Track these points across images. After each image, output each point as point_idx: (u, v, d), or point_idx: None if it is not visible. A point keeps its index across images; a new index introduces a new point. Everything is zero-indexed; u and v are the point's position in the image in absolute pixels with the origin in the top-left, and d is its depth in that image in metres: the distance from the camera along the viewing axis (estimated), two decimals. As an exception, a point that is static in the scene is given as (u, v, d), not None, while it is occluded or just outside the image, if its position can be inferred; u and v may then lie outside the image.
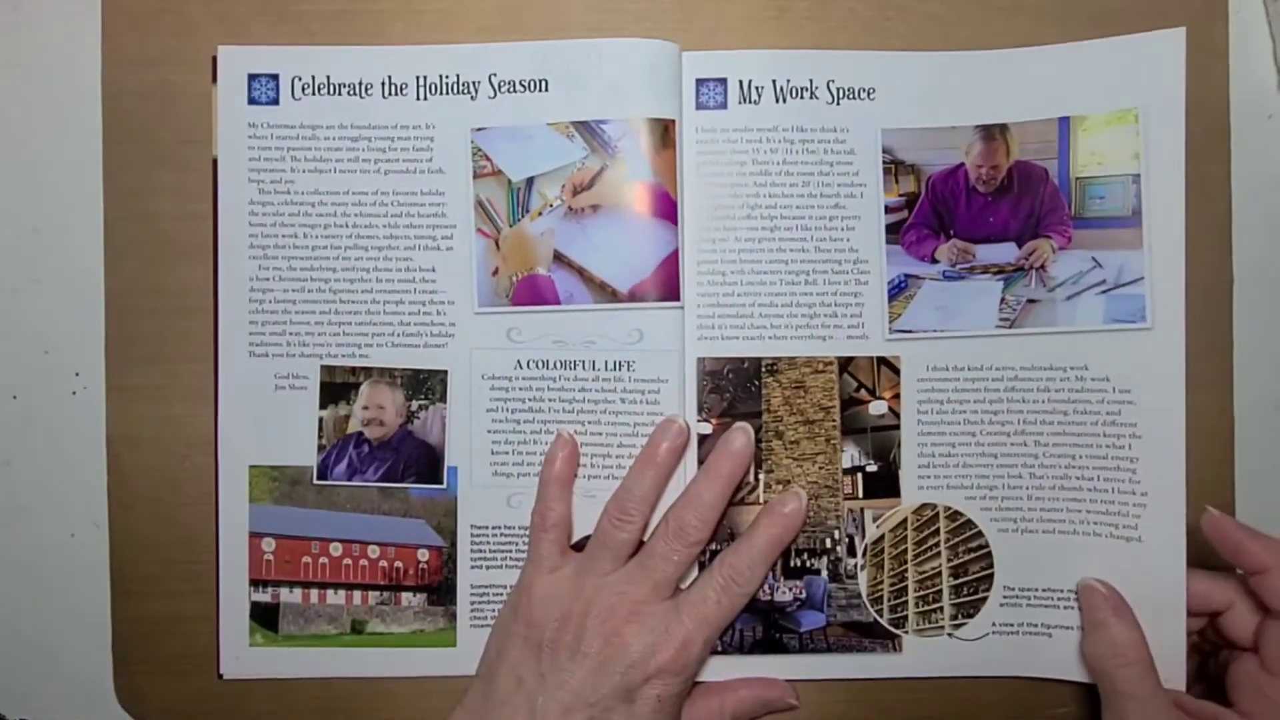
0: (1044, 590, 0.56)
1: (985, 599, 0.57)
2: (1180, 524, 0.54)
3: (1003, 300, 0.56)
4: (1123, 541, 0.55)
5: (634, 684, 0.50)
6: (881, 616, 0.57)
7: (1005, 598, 0.57)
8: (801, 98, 0.56)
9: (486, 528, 0.57)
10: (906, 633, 0.57)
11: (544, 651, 0.51)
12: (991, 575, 0.56)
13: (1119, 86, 0.56)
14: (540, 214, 0.56)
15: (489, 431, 0.57)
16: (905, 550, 0.57)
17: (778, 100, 0.56)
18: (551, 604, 0.52)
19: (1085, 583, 0.55)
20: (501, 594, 0.57)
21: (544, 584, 0.53)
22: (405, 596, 0.57)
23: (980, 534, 0.56)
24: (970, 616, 0.57)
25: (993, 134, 0.56)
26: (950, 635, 0.57)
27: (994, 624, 0.57)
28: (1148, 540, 0.55)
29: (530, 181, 0.56)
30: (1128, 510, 0.55)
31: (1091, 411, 0.55)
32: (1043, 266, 0.56)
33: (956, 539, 0.57)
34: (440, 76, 0.56)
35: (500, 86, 0.56)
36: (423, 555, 0.57)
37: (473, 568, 0.57)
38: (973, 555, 0.56)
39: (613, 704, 0.50)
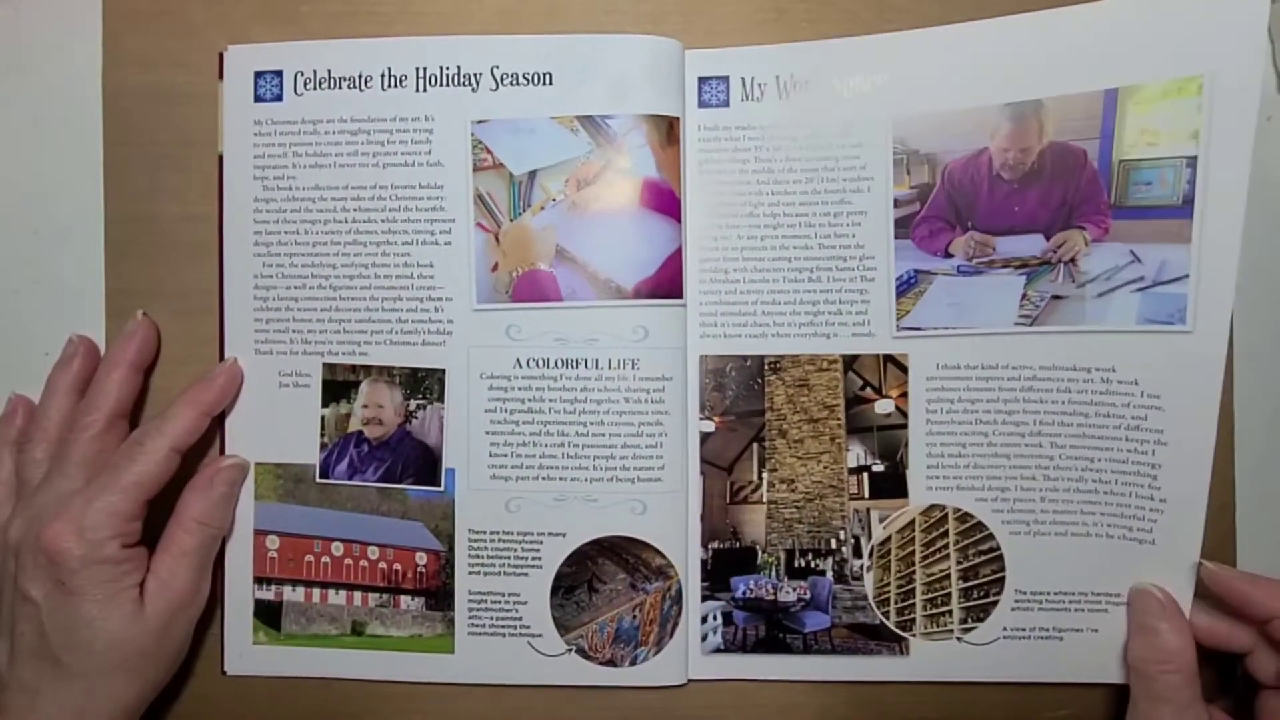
0: (1055, 594, 0.56)
1: (996, 603, 0.57)
2: (1197, 530, 0.54)
3: (1024, 296, 0.55)
4: (1135, 544, 0.55)
5: None
6: (888, 619, 0.57)
7: (1017, 602, 0.57)
8: (805, 92, 0.57)
9: (484, 533, 0.57)
10: (914, 636, 0.57)
11: None
12: (1003, 578, 0.57)
13: (1182, 50, 0.52)
14: (543, 208, 0.57)
15: (487, 433, 0.57)
16: (913, 552, 0.57)
17: (781, 96, 0.57)
18: None
19: (1142, 587, 0.54)
20: (500, 601, 0.57)
21: None
22: (404, 600, 0.58)
23: (991, 536, 0.56)
24: (980, 620, 0.57)
25: (1024, 113, 0.54)
26: (959, 639, 0.57)
27: (1005, 628, 0.57)
28: (1160, 544, 0.54)
29: (532, 175, 0.57)
30: (1143, 515, 0.54)
31: (1115, 415, 0.54)
32: (1073, 260, 0.54)
33: (966, 541, 0.57)
34: (440, 68, 0.57)
35: (503, 79, 0.57)
36: (420, 559, 0.58)
37: (470, 573, 0.57)
38: (983, 558, 0.57)
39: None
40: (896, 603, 0.57)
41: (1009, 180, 0.55)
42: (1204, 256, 0.52)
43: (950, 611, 0.57)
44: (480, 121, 0.57)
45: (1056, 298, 0.55)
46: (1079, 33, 0.53)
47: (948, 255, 0.56)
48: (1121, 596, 0.56)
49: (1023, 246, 0.55)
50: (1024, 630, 0.57)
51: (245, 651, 0.58)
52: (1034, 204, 0.55)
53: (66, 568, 0.50)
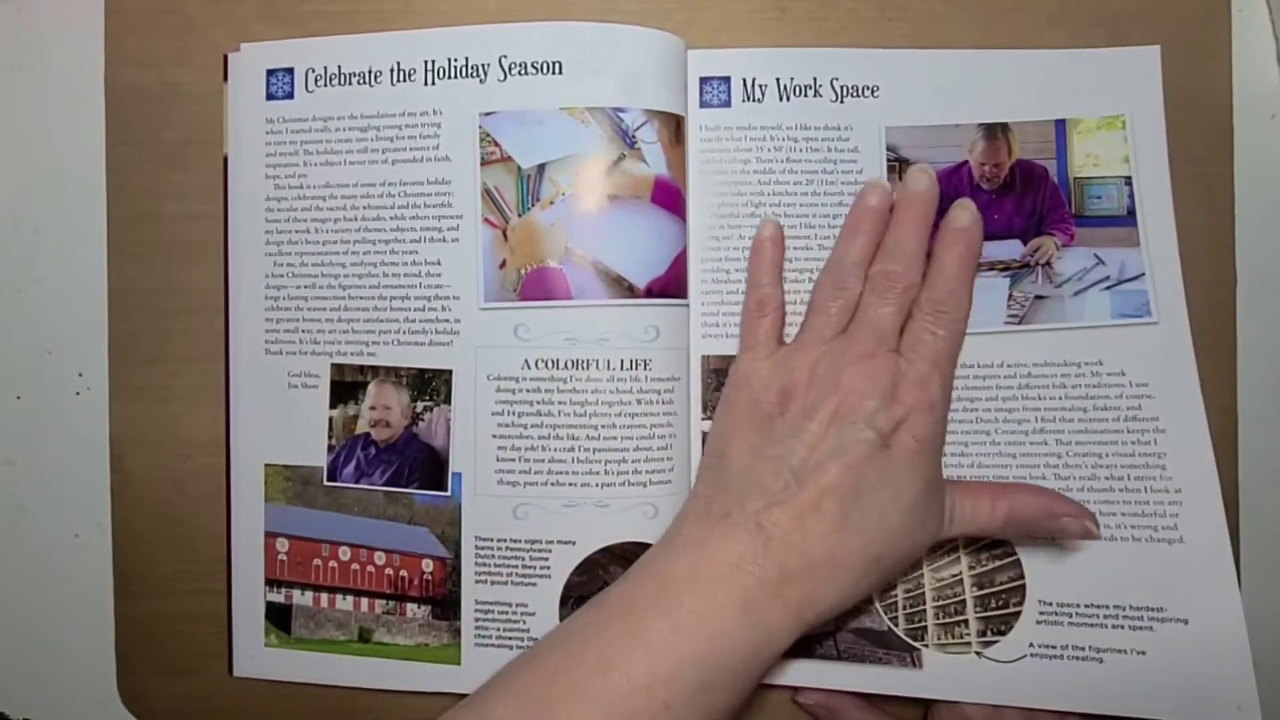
0: (1086, 606, 0.57)
1: (1018, 614, 0.57)
2: (1219, 518, 0.57)
3: (1010, 297, 0.59)
4: (1164, 544, 0.57)
5: (884, 429, 0.51)
6: (896, 625, 0.58)
7: (1042, 614, 0.57)
8: (805, 96, 0.61)
9: (491, 540, 0.58)
10: (926, 646, 0.57)
11: (775, 422, 0.53)
12: (1023, 586, 0.57)
13: (1106, 94, 0.60)
14: (552, 203, 0.57)
15: (494, 436, 0.58)
16: (920, 554, 0.58)
17: (781, 98, 0.61)
18: (771, 381, 0.54)
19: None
20: (508, 612, 0.58)
21: (763, 366, 0.55)
22: (410, 607, 0.59)
23: (1004, 539, 0.58)
24: (1002, 634, 0.57)
25: (995, 133, 0.60)
26: (979, 654, 0.57)
27: (1031, 644, 0.57)
28: (1190, 541, 0.56)
29: (541, 169, 0.58)
30: (1163, 509, 0.57)
31: (1112, 407, 0.58)
32: (1048, 263, 0.59)
33: (977, 543, 0.58)
34: (449, 60, 0.59)
35: (511, 69, 0.58)
36: (427, 565, 0.59)
37: (477, 582, 0.58)
38: (998, 563, 0.57)
39: (869, 452, 0.51)
40: (905, 608, 0.58)
41: (987, 191, 0.60)
42: (1153, 258, 0.59)
43: (966, 621, 0.58)
44: (488, 114, 0.59)
45: (1039, 298, 0.60)
46: (1033, 71, 0.61)
47: (938, 257, 0.61)
48: (1166, 611, 0.56)
49: (1004, 250, 0.60)
50: (1054, 648, 0.57)
51: (257, 653, 0.60)
52: (1010, 212, 0.60)
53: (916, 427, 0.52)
